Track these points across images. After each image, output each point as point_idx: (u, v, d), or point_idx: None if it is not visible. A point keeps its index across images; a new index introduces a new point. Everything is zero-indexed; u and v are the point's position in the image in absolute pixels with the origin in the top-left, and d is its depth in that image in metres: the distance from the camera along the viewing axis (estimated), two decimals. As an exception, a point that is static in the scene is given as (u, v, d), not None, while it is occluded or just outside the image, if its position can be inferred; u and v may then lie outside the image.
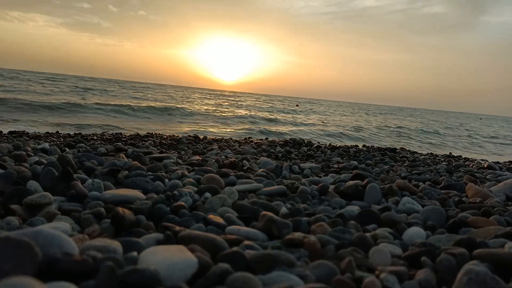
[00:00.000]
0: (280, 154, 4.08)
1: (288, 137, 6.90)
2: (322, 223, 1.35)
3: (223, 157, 3.33)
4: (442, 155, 5.97)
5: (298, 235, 1.19)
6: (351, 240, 1.22)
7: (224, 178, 1.96)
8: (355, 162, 3.86)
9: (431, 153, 6.21)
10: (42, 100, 11.05)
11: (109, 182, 1.69)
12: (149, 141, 4.50)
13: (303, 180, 2.16)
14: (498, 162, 5.21)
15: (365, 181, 1.97)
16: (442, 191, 2.14)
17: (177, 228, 1.17)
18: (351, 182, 1.95)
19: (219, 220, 1.33)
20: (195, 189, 1.72)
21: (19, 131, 4.85)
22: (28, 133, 4.75)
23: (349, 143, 8.26)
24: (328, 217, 1.46)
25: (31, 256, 0.75)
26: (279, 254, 0.99)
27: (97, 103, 12.26)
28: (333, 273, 0.96)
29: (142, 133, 6.07)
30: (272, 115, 16.26)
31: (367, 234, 1.27)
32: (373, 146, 6.26)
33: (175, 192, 1.59)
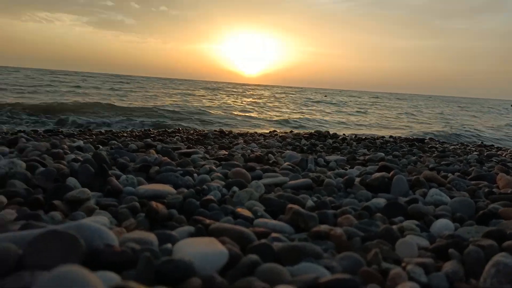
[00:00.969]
0: (305, 147, 4.08)
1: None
2: (348, 215, 1.37)
3: (248, 151, 3.38)
4: (473, 145, 5.79)
5: (324, 227, 1.22)
6: (377, 232, 1.23)
7: (250, 172, 2.01)
8: (382, 153, 3.83)
9: (461, 143, 6.04)
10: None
11: (141, 178, 1.76)
12: (177, 137, 4.60)
13: (329, 173, 2.18)
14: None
15: (391, 173, 1.97)
16: (472, 182, 2.10)
17: (208, 221, 1.23)
18: (377, 174, 1.95)
19: (247, 213, 1.38)
20: (223, 183, 1.77)
21: (54, 130, 5.08)
22: (62, 131, 4.97)
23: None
24: (354, 209, 1.48)
25: (77, 247, 0.82)
26: (305, 245, 1.02)
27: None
28: (359, 264, 0.98)
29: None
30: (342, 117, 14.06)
31: (394, 227, 1.28)
32: (400, 137, 6.15)
33: (204, 186, 1.65)
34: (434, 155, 3.72)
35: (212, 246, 0.95)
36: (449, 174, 2.32)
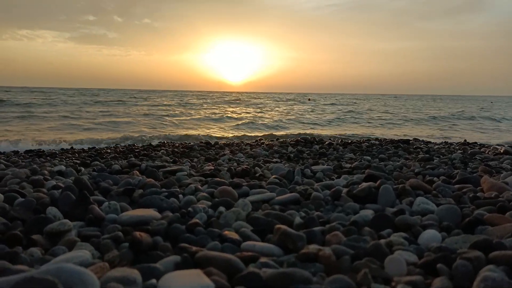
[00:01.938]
0: (292, 155, 4.09)
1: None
2: (337, 232, 1.36)
3: (235, 164, 3.36)
4: (457, 143, 5.89)
5: (312, 248, 1.20)
6: (366, 249, 1.22)
7: (237, 189, 1.99)
8: (368, 157, 3.85)
9: (445, 142, 6.13)
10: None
11: (124, 203, 1.72)
12: (162, 151, 4.55)
13: (316, 185, 2.17)
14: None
15: (378, 182, 1.97)
16: (457, 186, 2.12)
17: (194, 248, 1.20)
18: (364, 185, 1.95)
19: (235, 236, 1.36)
20: (209, 203, 1.74)
21: (35, 150, 4.97)
22: (43, 151, 4.86)
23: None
24: (342, 225, 1.47)
25: (55, 294, 0.79)
26: (294, 272, 1.00)
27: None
28: (349, 287, 0.97)
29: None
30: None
31: (382, 241, 1.28)
32: (386, 139, 6.21)
33: (190, 209, 1.62)
34: (419, 157, 3.76)
35: (198, 280, 0.92)
36: (435, 179, 2.34)
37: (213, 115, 14.72)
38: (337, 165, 3.06)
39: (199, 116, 14.29)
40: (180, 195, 1.88)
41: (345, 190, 1.97)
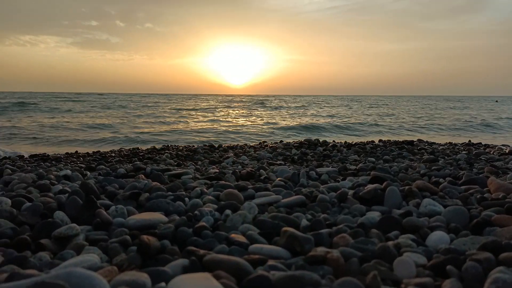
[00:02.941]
0: (296, 157, 4.08)
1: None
2: (344, 234, 1.36)
3: (239, 166, 3.36)
4: (461, 144, 5.86)
5: (320, 250, 1.20)
6: (374, 251, 1.22)
7: (242, 192, 1.99)
8: (373, 159, 3.84)
9: (449, 142, 6.11)
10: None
11: (131, 206, 1.73)
12: (166, 154, 4.56)
13: (321, 187, 2.17)
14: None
15: (384, 184, 1.97)
16: (463, 187, 2.11)
17: (201, 252, 1.20)
18: (370, 187, 1.94)
19: (242, 239, 1.35)
20: (215, 206, 1.75)
21: (40, 154, 4.99)
22: (48, 155, 4.88)
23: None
24: (349, 227, 1.47)
25: (66, 299, 0.79)
26: (303, 274, 1.00)
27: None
28: (358, 290, 0.97)
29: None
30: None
31: (390, 243, 1.27)
32: (390, 140, 6.19)
33: (196, 212, 1.62)
34: (424, 157, 3.74)
35: (207, 283, 0.92)
36: (441, 180, 2.33)
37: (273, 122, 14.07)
38: (342, 167, 3.06)
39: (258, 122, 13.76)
40: (186, 199, 1.88)
41: (351, 192, 1.96)
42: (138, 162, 3.48)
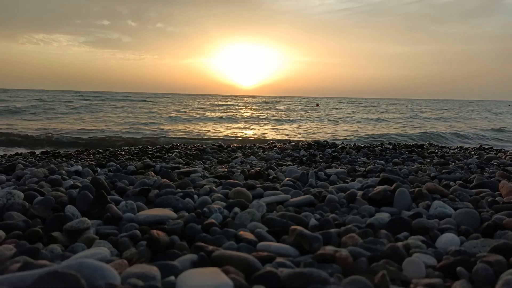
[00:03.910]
0: (304, 158, 4.07)
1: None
2: (353, 234, 1.35)
3: (248, 166, 3.36)
4: (472, 148, 5.80)
5: (329, 249, 1.20)
6: (383, 251, 1.21)
7: (251, 191, 1.99)
8: (382, 161, 3.82)
9: (460, 147, 6.04)
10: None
11: (141, 202, 1.74)
12: (175, 153, 4.59)
13: (330, 187, 2.16)
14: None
15: (393, 185, 1.95)
16: (474, 190, 2.09)
17: (210, 247, 1.21)
18: (379, 188, 1.93)
19: (250, 236, 1.36)
20: (224, 204, 1.75)
21: (51, 151, 5.05)
22: (59, 152, 4.94)
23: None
24: (358, 227, 1.46)
25: (78, 288, 0.80)
26: (312, 272, 1.00)
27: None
28: (367, 288, 0.96)
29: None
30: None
31: (399, 244, 1.27)
32: (400, 143, 6.15)
33: (205, 209, 1.63)
34: (434, 161, 3.71)
35: (215, 278, 0.93)
36: (451, 183, 2.31)
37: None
38: (351, 168, 3.04)
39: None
40: (195, 196, 1.89)
41: (360, 193, 1.95)
42: (147, 160, 3.51)
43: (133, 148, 5.53)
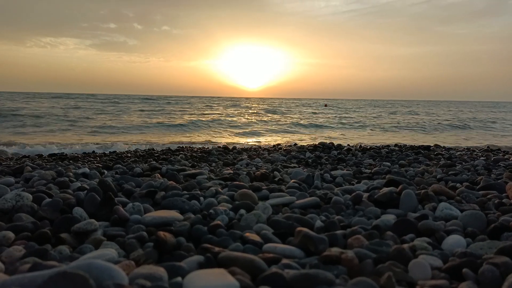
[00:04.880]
0: (310, 160, 4.07)
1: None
2: (359, 236, 1.35)
3: (253, 168, 3.37)
4: (479, 150, 5.76)
5: (335, 250, 1.20)
6: (389, 253, 1.22)
7: (256, 193, 2.00)
8: (388, 163, 3.81)
9: (467, 148, 6.00)
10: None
11: (147, 204, 1.76)
12: (181, 155, 4.61)
13: (336, 189, 2.16)
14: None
15: (399, 187, 1.95)
16: (481, 192, 2.08)
17: (217, 249, 1.22)
18: (385, 189, 1.93)
19: (256, 238, 1.36)
20: (230, 206, 1.76)
21: (58, 153, 5.10)
22: (66, 154, 4.99)
23: None
24: (364, 229, 1.46)
25: (87, 288, 0.81)
26: (318, 273, 1.00)
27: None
28: (373, 290, 0.97)
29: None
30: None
31: (405, 246, 1.27)
32: (406, 145, 6.12)
33: (211, 211, 1.64)
34: (441, 163, 3.69)
35: (222, 279, 0.94)
36: (458, 185, 2.30)
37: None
38: (357, 170, 3.04)
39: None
40: (201, 198, 1.91)
41: (365, 195, 1.95)
42: (153, 162, 3.53)
43: (139, 150, 5.56)
